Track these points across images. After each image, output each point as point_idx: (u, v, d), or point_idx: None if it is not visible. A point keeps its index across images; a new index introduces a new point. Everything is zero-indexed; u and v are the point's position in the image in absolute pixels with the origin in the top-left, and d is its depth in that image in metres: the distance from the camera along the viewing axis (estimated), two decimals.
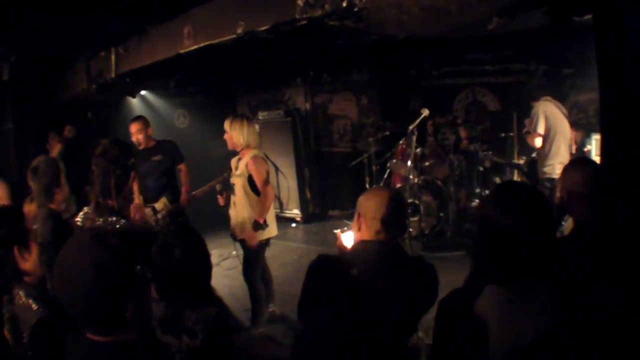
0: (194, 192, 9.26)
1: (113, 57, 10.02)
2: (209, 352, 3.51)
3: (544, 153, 9.27)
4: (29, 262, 3.72)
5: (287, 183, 14.42)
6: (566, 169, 4.33)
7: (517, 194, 2.90)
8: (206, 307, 3.66)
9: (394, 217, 3.94)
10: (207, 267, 3.94)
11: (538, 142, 9.14)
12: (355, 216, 4.06)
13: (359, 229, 4.03)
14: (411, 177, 11.28)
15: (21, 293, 3.60)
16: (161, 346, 3.29)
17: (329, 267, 3.96)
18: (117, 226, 4.75)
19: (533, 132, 9.08)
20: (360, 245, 4.02)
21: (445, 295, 3.17)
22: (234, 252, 8.77)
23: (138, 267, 2.43)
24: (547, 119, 9.06)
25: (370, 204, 3.97)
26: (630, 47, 3.40)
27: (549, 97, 9.35)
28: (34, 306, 3.52)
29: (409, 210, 10.92)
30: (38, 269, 3.79)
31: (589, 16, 5.80)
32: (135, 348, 2.47)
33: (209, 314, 3.60)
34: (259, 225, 7.59)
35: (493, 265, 2.85)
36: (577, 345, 2.68)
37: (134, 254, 2.45)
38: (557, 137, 9.07)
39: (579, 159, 6.82)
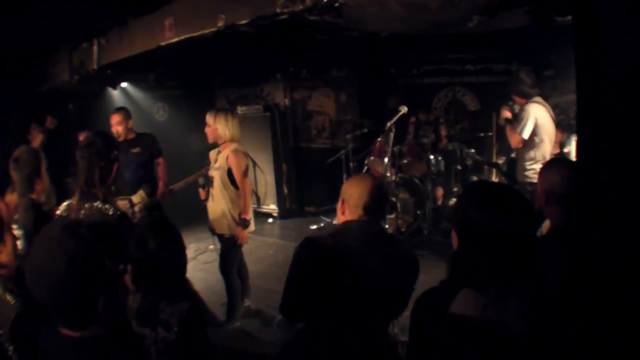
0: (171, 186, 9.25)
1: (95, 48, 10.00)
2: (183, 345, 3.50)
3: (527, 157, 9.02)
4: (4, 253, 3.65)
5: (265, 178, 14.40)
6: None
7: (500, 196, 2.86)
8: (181, 300, 3.66)
9: (376, 204, 4.11)
10: (182, 260, 3.93)
11: (518, 144, 9.00)
12: (340, 201, 4.22)
13: (343, 213, 4.20)
14: (388, 174, 11.28)
15: None
16: (136, 339, 3.28)
17: (316, 245, 4.02)
18: (104, 211, 4.74)
19: (519, 134, 8.96)
20: (345, 224, 4.15)
21: (420, 294, 3.18)
22: (211, 247, 8.78)
23: (107, 259, 2.41)
24: (536, 125, 8.94)
25: (353, 192, 4.14)
26: (607, 47, 3.42)
27: (539, 99, 9.21)
28: (11, 300, 3.49)
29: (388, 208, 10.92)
30: (13, 261, 3.74)
31: (570, 16, 5.83)
32: (107, 343, 2.45)
33: (183, 308, 3.60)
34: (246, 223, 7.66)
35: (472, 268, 2.83)
36: (549, 353, 2.68)
37: (104, 245, 2.43)
38: (543, 143, 8.93)
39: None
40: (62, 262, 2.25)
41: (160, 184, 9.49)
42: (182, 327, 3.49)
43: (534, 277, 2.81)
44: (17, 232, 4.65)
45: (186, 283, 3.98)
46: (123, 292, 2.56)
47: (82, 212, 4.85)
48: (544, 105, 8.98)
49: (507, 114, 9.23)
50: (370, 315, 3.93)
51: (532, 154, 8.88)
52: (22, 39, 9.72)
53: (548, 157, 8.79)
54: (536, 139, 8.76)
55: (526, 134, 8.67)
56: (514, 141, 8.96)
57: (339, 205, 4.25)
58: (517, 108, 9.30)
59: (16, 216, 5.10)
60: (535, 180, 8.50)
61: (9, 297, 3.48)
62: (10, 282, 3.57)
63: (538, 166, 8.59)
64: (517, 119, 8.98)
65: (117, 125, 9.13)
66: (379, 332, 4.16)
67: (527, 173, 8.94)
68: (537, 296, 2.74)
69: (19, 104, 11.45)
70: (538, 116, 8.75)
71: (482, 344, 2.69)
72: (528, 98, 8.92)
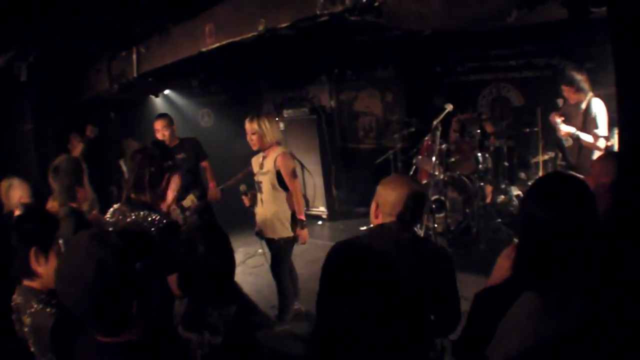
0: (221, 186, 9.29)
1: (134, 57, 10.03)
2: (231, 348, 3.52)
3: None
4: (42, 268, 3.65)
5: (313, 181, 14.41)
6: (597, 161, 4.67)
7: (561, 187, 2.82)
8: (229, 303, 3.68)
9: (410, 214, 4.03)
10: (230, 264, 3.95)
11: (602, 144, 8.75)
12: (374, 204, 4.20)
13: (377, 217, 4.19)
14: (437, 173, 11.23)
15: (32, 301, 3.58)
16: (181, 343, 3.30)
17: (349, 247, 4.03)
18: (150, 219, 4.71)
19: (600, 134, 8.68)
20: (378, 226, 4.16)
21: (481, 290, 3.17)
22: (260, 250, 8.79)
23: (138, 264, 2.43)
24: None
25: (388, 198, 4.08)
26: None
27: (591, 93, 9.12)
28: (46, 309, 3.52)
29: (435, 206, 10.87)
30: (50, 283, 3.76)
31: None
32: (143, 347, 2.48)
33: (231, 311, 3.61)
34: (303, 223, 7.72)
35: (534, 270, 2.77)
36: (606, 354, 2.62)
37: (134, 251, 2.45)
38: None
39: (610, 152, 6.84)
40: (92, 269, 2.28)
41: (211, 186, 9.53)
42: (230, 330, 3.51)
43: (595, 277, 2.77)
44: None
45: (235, 287, 3.99)
46: (167, 298, 2.58)
47: (128, 220, 4.85)
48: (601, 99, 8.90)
49: (557, 118, 9.08)
50: (405, 319, 3.90)
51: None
52: (61, 47, 9.80)
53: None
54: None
55: (607, 130, 8.55)
56: (599, 144, 8.70)
57: (372, 208, 4.22)
58: (560, 103, 9.20)
59: None
60: None
61: (43, 307, 3.51)
62: (43, 293, 3.59)
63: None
64: (586, 118, 8.88)
65: (163, 130, 9.17)
66: (418, 337, 4.13)
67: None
68: (595, 305, 2.66)
69: (58, 113, 11.50)
70: (605, 110, 8.71)
71: (538, 346, 2.63)
72: (585, 93, 8.80)
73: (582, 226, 2.65)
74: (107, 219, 5.25)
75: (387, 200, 4.06)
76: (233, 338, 3.54)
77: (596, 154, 8.58)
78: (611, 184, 4.00)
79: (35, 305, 3.54)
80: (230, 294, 3.87)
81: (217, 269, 3.79)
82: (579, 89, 8.90)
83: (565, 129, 8.93)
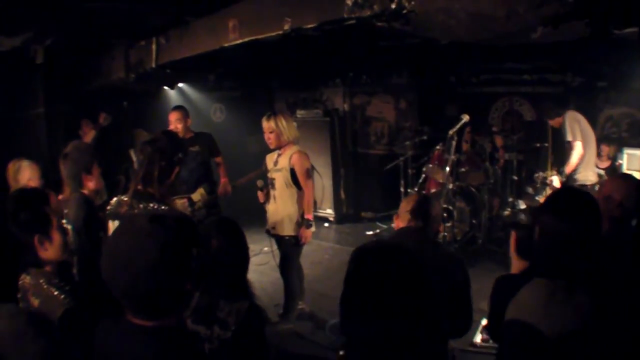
0: (234, 182, 9.29)
1: (154, 47, 10.02)
2: (239, 344, 3.54)
3: (570, 158, 9.35)
4: (50, 250, 3.65)
5: (322, 182, 14.40)
6: (609, 179, 5.47)
7: (571, 201, 3.29)
8: (241, 299, 3.70)
9: (421, 213, 4.70)
10: (244, 260, 3.97)
11: (579, 147, 9.14)
12: (395, 218, 4.90)
13: (397, 227, 4.74)
14: (447, 182, 11.24)
15: (42, 281, 3.58)
16: (192, 335, 3.32)
17: (372, 249, 4.09)
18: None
19: (568, 139, 9.09)
20: (399, 230, 4.70)
21: (500, 276, 3.76)
22: (266, 248, 8.82)
23: (194, 249, 2.44)
24: (580, 129, 9.12)
25: (401, 206, 4.83)
26: None
27: (572, 110, 9.42)
28: (59, 295, 3.53)
29: (444, 215, 10.90)
30: (59, 257, 3.79)
31: (629, 29, 5.82)
32: (176, 333, 2.48)
33: (243, 307, 3.64)
34: (309, 223, 7.70)
35: (547, 260, 3.21)
36: (606, 344, 2.95)
37: (190, 236, 2.47)
38: (588, 146, 9.13)
39: (624, 174, 7.17)
40: (154, 250, 2.28)
41: (222, 181, 9.53)
42: (240, 326, 3.53)
43: (597, 276, 3.24)
44: (66, 226, 4.68)
45: (247, 283, 4.00)
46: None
47: (136, 212, 4.86)
48: (578, 113, 9.45)
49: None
50: (423, 331, 3.94)
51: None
52: (80, 33, 9.80)
53: (593, 160, 9.59)
54: (584, 142, 9.24)
55: (579, 136, 8.97)
56: (578, 149, 9.27)
57: (395, 218, 4.89)
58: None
59: (66, 211, 5.08)
60: (587, 183, 8.80)
61: (56, 293, 3.51)
62: (55, 277, 3.60)
63: (587, 168, 9.38)
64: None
65: (176, 123, 9.11)
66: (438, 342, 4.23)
67: (577, 176, 9.50)
68: (599, 294, 3.04)
69: (70, 98, 11.47)
70: (579, 120, 9.07)
71: (545, 327, 2.99)
72: (561, 115, 9.25)
73: (588, 234, 3.13)
74: (109, 208, 5.27)
75: (403, 206, 4.70)
76: (242, 334, 3.56)
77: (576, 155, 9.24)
78: (620, 200, 4.49)
79: (45, 287, 3.54)
80: (243, 289, 3.89)
81: (231, 264, 3.82)
82: (558, 114, 9.61)
83: (555, 182, 9.58)
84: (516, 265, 3.88)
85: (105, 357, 2.54)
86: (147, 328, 2.41)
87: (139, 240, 2.34)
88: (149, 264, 2.28)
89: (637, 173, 7.95)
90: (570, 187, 8.13)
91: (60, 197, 5.26)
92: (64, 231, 3.90)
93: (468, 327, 4.52)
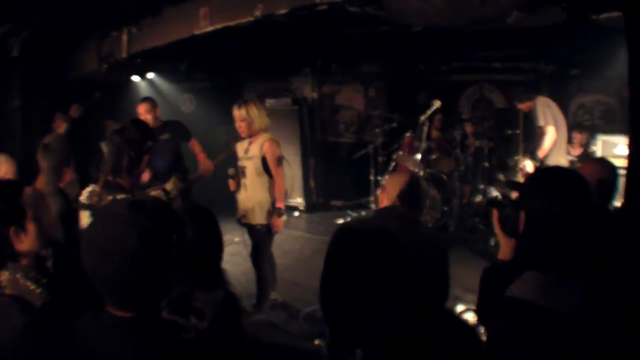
0: (214, 160, 9.21)
1: (125, 37, 9.97)
2: (216, 334, 3.50)
3: (542, 142, 9.33)
4: (25, 242, 3.62)
5: (292, 172, 14.35)
6: (585, 163, 5.41)
7: (561, 178, 3.18)
8: (216, 288, 3.66)
9: (411, 195, 4.55)
10: (219, 249, 3.93)
11: (552, 132, 9.10)
12: (379, 192, 4.67)
13: (382, 203, 4.61)
14: (417, 169, 11.25)
15: (18, 276, 3.53)
16: (173, 325, 3.29)
17: (355, 228, 4.07)
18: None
19: (540, 124, 9.08)
20: (381, 209, 4.61)
21: (488, 266, 3.66)
22: (237, 239, 8.77)
23: (174, 235, 2.41)
24: (552, 115, 9.12)
25: (392, 182, 4.61)
26: None
27: (543, 96, 9.40)
28: (36, 290, 3.47)
29: None
30: (34, 248, 3.72)
31: (605, 15, 5.81)
32: (157, 324, 2.46)
33: (219, 296, 3.60)
34: (280, 211, 7.70)
35: (536, 251, 3.03)
36: (600, 337, 2.79)
37: (170, 222, 2.43)
38: (560, 131, 9.12)
39: (599, 158, 7.31)
40: (135, 238, 2.23)
41: (201, 158, 9.37)
42: (217, 315, 3.49)
43: (595, 260, 3.12)
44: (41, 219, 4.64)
45: (222, 272, 3.97)
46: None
47: (103, 203, 4.83)
48: (548, 99, 9.48)
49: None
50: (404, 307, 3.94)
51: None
52: (52, 25, 9.70)
53: (564, 147, 9.62)
54: (555, 128, 9.15)
55: (552, 121, 8.94)
56: (550, 133, 9.25)
57: (379, 195, 4.85)
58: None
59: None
60: None
61: (32, 286, 3.47)
62: (32, 270, 3.55)
63: (558, 155, 9.21)
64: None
65: (145, 114, 8.99)
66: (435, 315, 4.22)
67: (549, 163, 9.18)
68: (595, 282, 2.94)
69: (45, 92, 11.36)
70: (550, 105, 9.04)
71: (536, 325, 2.84)
72: (532, 99, 9.19)
73: (579, 213, 2.97)
74: (81, 199, 5.21)
75: (389, 183, 4.60)
76: (219, 323, 3.52)
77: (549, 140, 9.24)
78: (597, 184, 4.40)
79: (22, 282, 3.49)
80: (218, 278, 3.85)
81: (206, 253, 3.78)
82: (529, 98, 9.58)
83: (529, 167, 9.53)
84: (504, 244, 3.66)
85: (87, 350, 2.48)
86: (128, 320, 2.36)
87: (119, 229, 2.28)
88: (130, 252, 2.23)
89: (612, 160, 7.98)
90: (553, 166, 8.08)
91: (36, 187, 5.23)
92: (39, 222, 3.85)
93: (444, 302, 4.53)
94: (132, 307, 2.36)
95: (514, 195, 3.87)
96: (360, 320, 3.61)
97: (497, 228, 3.68)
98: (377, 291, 3.47)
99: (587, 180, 4.45)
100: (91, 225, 2.49)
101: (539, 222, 3.04)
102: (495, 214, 3.67)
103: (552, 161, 9.14)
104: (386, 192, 4.61)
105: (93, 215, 4.76)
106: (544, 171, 4.77)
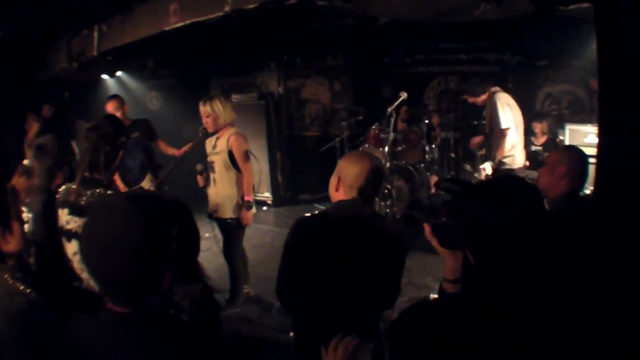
0: (179, 151, 9.22)
1: (95, 35, 9.95)
2: (196, 326, 3.54)
3: (503, 145, 8.94)
4: (11, 243, 3.61)
5: (259, 166, 14.34)
6: (554, 152, 5.42)
7: (508, 189, 2.48)
8: (194, 282, 3.69)
9: (371, 187, 4.12)
10: (196, 242, 3.96)
11: (512, 134, 8.88)
12: (335, 177, 4.20)
13: (337, 190, 4.20)
14: (383, 161, 11.29)
15: (7, 277, 3.51)
16: (173, 318, 3.31)
17: (309, 222, 4.08)
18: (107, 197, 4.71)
19: (503, 127, 8.86)
20: (338, 203, 4.17)
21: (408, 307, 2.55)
22: (207, 234, 8.78)
23: (174, 229, 2.40)
24: (512, 113, 8.97)
25: (350, 171, 4.11)
26: (631, 40, 3.44)
27: (498, 88, 9.24)
28: (25, 289, 3.46)
29: (382, 195, 10.95)
30: (20, 247, 3.71)
31: (573, 6, 5.87)
32: (158, 318, 2.45)
33: (196, 289, 3.63)
34: (249, 204, 7.73)
35: (498, 283, 2.37)
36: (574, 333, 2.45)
37: (172, 214, 2.45)
38: (518, 128, 9.03)
39: (568, 146, 7.36)
40: (138, 230, 2.22)
41: (171, 150, 9.61)
42: (195, 308, 3.52)
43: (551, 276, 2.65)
44: (26, 215, 4.64)
45: (198, 265, 4.00)
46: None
47: (84, 199, 4.83)
48: (504, 92, 9.20)
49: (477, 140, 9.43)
50: (360, 300, 3.97)
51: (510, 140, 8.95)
52: (21, 26, 9.65)
53: (521, 141, 9.23)
54: (513, 124, 8.95)
55: (508, 122, 8.72)
56: (508, 135, 8.92)
57: (333, 182, 4.23)
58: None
59: (27, 200, 5.07)
60: (515, 167, 8.65)
61: (22, 287, 3.47)
62: (18, 271, 3.56)
63: (515, 152, 9.01)
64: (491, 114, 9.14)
65: (114, 111, 9.00)
66: (369, 321, 4.21)
67: (505, 160, 9.07)
68: (552, 301, 2.49)
69: (17, 92, 11.28)
70: (507, 102, 8.87)
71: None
72: (487, 92, 9.04)
73: (532, 222, 2.37)
74: (58, 197, 5.23)
75: (349, 173, 4.09)
76: (198, 317, 3.56)
77: (510, 142, 8.95)
78: (566, 172, 4.47)
79: (10, 283, 3.49)
80: (195, 272, 3.88)
81: (183, 246, 3.81)
82: (484, 91, 9.27)
83: (488, 169, 9.16)
84: (450, 261, 3.03)
85: (83, 350, 2.44)
86: (130, 315, 2.35)
87: (121, 222, 2.26)
88: (134, 245, 2.21)
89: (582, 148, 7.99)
90: (498, 177, 7.94)
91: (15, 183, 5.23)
92: (21, 221, 3.85)
93: (397, 297, 4.45)
94: (133, 302, 2.35)
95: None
96: (319, 308, 3.65)
97: (435, 244, 3.05)
98: (335, 281, 3.52)
99: (557, 168, 4.55)
100: (90, 222, 2.48)
101: (484, 237, 2.39)
102: (428, 229, 3.07)
103: (509, 160, 8.97)
104: (343, 183, 4.12)
105: (72, 212, 4.78)
106: (486, 182, 4.70)
